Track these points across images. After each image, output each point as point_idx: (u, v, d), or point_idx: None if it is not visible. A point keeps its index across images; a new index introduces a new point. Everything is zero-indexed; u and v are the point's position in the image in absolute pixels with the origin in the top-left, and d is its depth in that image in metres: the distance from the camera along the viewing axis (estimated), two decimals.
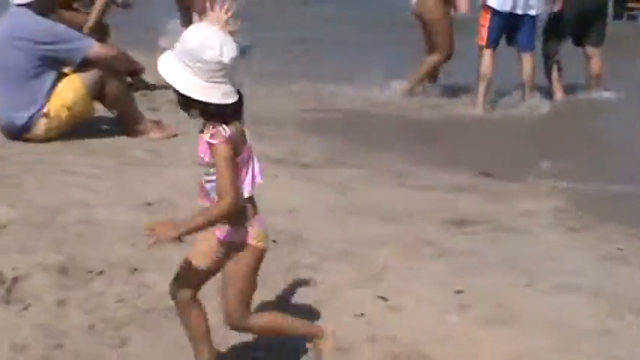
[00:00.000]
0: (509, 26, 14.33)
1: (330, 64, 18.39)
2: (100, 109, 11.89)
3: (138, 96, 12.36)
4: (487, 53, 14.54)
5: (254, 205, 6.06)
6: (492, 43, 14.64)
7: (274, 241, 8.10)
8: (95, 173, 10.17)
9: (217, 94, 5.61)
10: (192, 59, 5.52)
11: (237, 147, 5.81)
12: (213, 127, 5.70)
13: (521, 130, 14.66)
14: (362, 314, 7.30)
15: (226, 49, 5.48)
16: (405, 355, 6.71)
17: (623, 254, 8.84)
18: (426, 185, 10.68)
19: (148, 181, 10.10)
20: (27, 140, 11.22)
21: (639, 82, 17.08)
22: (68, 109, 11.34)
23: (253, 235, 5.98)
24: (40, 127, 11.06)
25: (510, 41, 14.94)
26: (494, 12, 14.33)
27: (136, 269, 7.76)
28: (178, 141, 11.73)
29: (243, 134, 5.88)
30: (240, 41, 5.68)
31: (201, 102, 5.66)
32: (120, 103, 11.67)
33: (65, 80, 11.38)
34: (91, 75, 11.43)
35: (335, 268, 8.14)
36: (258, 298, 7.03)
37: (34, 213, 8.77)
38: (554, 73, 15.82)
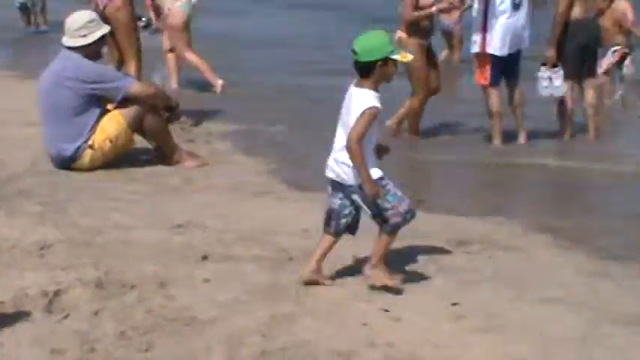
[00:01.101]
0: (506, 64, 14.14)
1: None
2: (140, 141, 12.02)
3: (175, 129, 12.46)
4: (493, 93, 14.24)
5: None
6: (495, 83, 14.34)
7: (290, 259, 8.31)
8: (133, 198, 10.40)
9: None
10: None
11: None
12: None
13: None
14: (365, 324, 7.41)
15: None
16: (405, 355, 6.87)
17: (607, 271, 8.89)
18: (428, 208, 10.68)
19: (180, 206, 10.28)
20: (74, 169, 11.48)
21: None
22: (111, 141, 11.60)
23: None
24: (86, 157, 11.35)
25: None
26: (494, 56, 14.06)
27: (163, 283, 7.92)
28: (211, 169, 11.92)
29: None
30: None
31: None
32: (158, 135, 11.92)
33: (108, 115, 11.69)
34: (132, 110, 11.71)
35: (343, 282, 8.28)
36: (275, 308, 7.28)
37: (77, 234, 8.98)
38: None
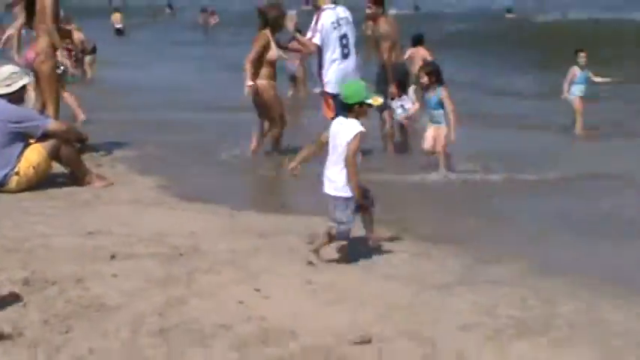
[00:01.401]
0: None
1: None
2: (57, 167, 12.00)
3: (86, 156, 12.44)
4: None
5: None
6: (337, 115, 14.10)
7: (181, 255, 8.35)
8: (53, 213, 10.37)
9: None
10: None
11: None
12: None
13: None
14: (241, 302, 7.49)
15: None
16: (275, 326, 6.93)
17: (428, 252, 9.13)
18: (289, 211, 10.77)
19: (91, 217, 10.27)
20: (3, 192, 11.34)
21: None
22: (34, 168, 11.57)
23: None
24: (13, 182, 11.30)
25: None
26: (333, 94, 13.68)
27: (79, 279, 7.87)
28: (115, 187, 11.93)
29: None
30: None
31: None
32: (72, 162, 11.93)
33: (31, 147, 11.63)
34: (50, 143, 11.69)
35: (223, 270, 8.31)
36: (169, 293, 7.31)
37: (7, 243, 8.89)
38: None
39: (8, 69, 12.28)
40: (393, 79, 14.40)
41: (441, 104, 13.01)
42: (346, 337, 6.70)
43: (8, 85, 11.71)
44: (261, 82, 13.57)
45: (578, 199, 12.16)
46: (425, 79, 13.02)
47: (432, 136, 13.32)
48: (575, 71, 19.60)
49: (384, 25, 14.29)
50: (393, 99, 14.15)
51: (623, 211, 11.24)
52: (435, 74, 13.09)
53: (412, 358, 6.44)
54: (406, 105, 14.00)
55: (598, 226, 10.49)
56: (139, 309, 7.24)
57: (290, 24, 15.08)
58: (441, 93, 12.99)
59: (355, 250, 9.07)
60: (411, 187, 13.12)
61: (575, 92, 19.71)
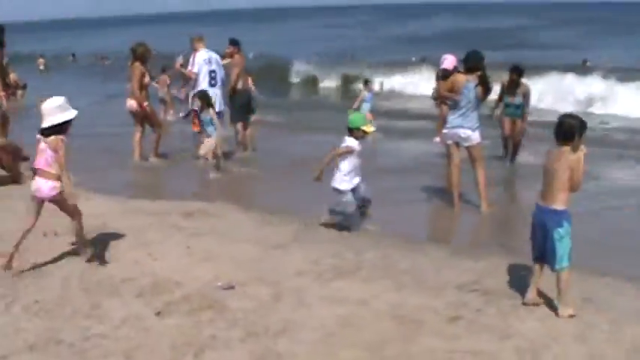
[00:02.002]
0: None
1: None
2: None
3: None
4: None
5: None
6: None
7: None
8: None
9: None
10: None
11: None
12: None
13: None
14: (137, 262, 7.46)
15: None
16: (164, 279, 6.91)
17: (268, 220, 9.21)
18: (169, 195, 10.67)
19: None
20: None
21: None
22: None
23: None
24: None
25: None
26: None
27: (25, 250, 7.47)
28: None
29: None
30: None
31: None
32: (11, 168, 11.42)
33: None
34: None
35: (124, 240, 8.19)
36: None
37: None
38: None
39: None
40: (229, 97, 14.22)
41: None
42: (216, 284, 6.75)
43: None
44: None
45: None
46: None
47: None
48: None
49: (236, 60, 14.13)
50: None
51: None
52: None
53: (264, 296, 6.57)
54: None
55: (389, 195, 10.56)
56: (64, 272, 7.13)
57: (177, 64, 14.69)
58: None
59: (210, 223, 9.09)
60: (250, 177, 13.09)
61: None
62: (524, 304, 6.26)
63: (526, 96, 13.10)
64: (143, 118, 13.37)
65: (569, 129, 6.01)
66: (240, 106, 14.00)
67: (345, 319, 5.99)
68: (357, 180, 8.78)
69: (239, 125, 14.14)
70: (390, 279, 6.98)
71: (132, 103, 13.26)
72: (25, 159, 11.60)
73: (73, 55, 55.25)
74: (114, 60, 47.28)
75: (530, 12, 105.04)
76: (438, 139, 11.12)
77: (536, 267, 6.34)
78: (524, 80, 13.13)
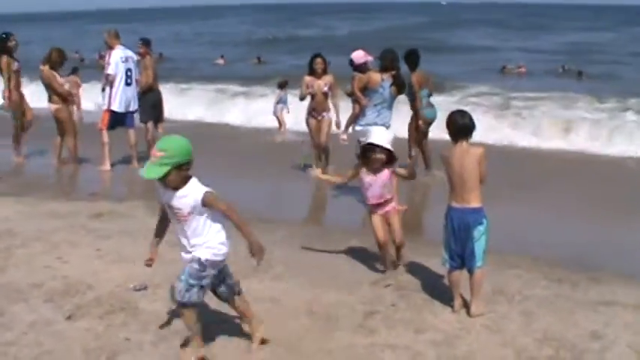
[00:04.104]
0: (120, 117, 13.16)
1: None
2: None
3: None
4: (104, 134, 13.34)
5: None
6: (111, 127, 13.15)
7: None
8: None
9: None
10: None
11: None
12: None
13: None
14: (48, 266, 7.21)
15: None
16: (74, 282, 6.71)
17: None
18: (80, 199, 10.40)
19: None
20: None
21: None
22: None
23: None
24: None
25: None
26: (112, 112, 12.84)
27: None
28: None
29: None
30: None
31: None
32: None
33: None
34: None
35: (32, 244, 7.93)
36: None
37: None
38: None
39: None
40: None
41: None
42: (129, 286, 6.59)
43: None
44: (57, 106, 13.02)
45: None
46: None
47: None
48: None
49: (148, 59, 13.79)
50: None
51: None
52: None
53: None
54: None
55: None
56: None
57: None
58: None
59: (120, 224, 8.93)
60: None
61: None
62: (454, 311, 6.09)
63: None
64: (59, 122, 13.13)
65: (465, 124, 5.93)
66: (151, 106, 13.69)
67: (259, 317, 5.90)
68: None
69: (149, 124, 13.87)
70: (304, 276, 6.94)
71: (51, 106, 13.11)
72: None
73: None
74: None
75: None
76: (344, 136, 11.07)
77: (456, 274, 6.13)
78: None
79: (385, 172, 6.90)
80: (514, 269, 7.18)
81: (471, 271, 6.04)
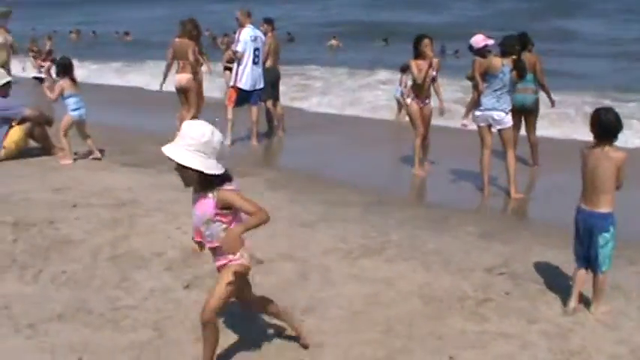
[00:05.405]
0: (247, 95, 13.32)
1: None
2: (32, 143, 11.60)
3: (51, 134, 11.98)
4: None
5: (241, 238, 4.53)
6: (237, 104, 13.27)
7: (124, 204, 8.14)
8: (29, 175, 10.02)
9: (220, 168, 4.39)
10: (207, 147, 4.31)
11: None
12: (223, 186, 4.42)
13: None
14: (169, 237, 7.42)
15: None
16: (190, 253, 6.63)
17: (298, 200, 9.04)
18: None
19: (57, 178, 9.96)
20: None
21: None
22: (15, 143, 11.22)
23: (247, 257, 4.71)
24: (1, 154, 10.83)
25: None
26: (240, 89, 13.20)
27: (51, 222, 7.70)
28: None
29: None
30: None
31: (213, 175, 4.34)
32: (42, 138, 11.53)
33: (14, 129, 11.23)
34: (27, 125, 11.33)
35: (154, 214, 8.20)
36: (116, 232, 7.09)
37: None
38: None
39: None
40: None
41: None
42: None
43: None
44: (189, 76, 13.06)
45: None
46: None
47: None
48: None
49: (269, 39, 13.96)
50: None
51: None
52: None
53: (291, 273, 6.52)
54: None
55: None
56: (96, 243, 7.15)
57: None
58: None
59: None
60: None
61: None
62: (565, 312, 5.85)
63: None
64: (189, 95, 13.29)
65: (610, 125, 5.58)
66: (270, 84, 13.85)
67: (371, 298, 5.93)
68: None
69: (269, 103, 14.06)
70: (418, 259, 6.93)
71: (182, 78, 13.01)
72: (49, 123, 11.76)
73: (94, 32, 54.00)
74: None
75: None
76: (465, 121, 10.94)
77: (580, 273, 5.93)
78: None
79: (207, 201, 4.51)
80: (633, 266, 6.96)
81: (595, 272, 5.86)
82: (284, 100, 15.67)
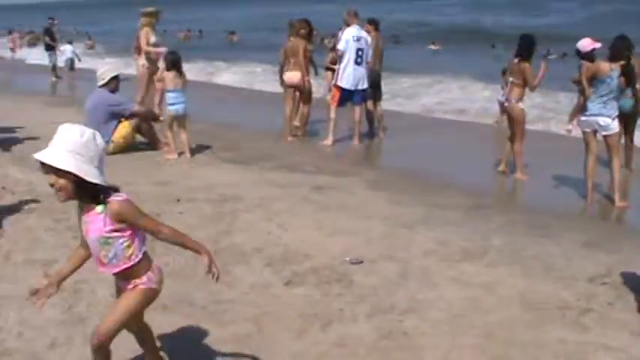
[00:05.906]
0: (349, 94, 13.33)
1: None
2: (139, 138, 11.93)
3: (158, 130, 12.27)
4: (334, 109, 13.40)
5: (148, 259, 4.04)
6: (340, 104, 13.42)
7: (226, 200, 8.27)
8: (136, 167, 10.43)
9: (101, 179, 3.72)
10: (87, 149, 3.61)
11: None
12: (111, 198, 3.74)
13: None
14: (269, 233, 7.51)
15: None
16: (293, 249, 6.99)
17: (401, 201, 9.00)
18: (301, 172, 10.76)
19: (162, 172, 10.25)
20: None
21: None
22: (123, 138, 11.61)
23: (156, 280, 4.05)
24: (109, 148, 11.10)
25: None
26: (342, 89, 13.22)
27: (157, 214, 7.66)
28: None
29: None
30: None
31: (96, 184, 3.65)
32: (149, 134, 11.87)
33: (122, 124, 11.67)
34: (134, 120, 11.73)
35: (256, 210, 8.30)
36: (219, 224, 7.20)
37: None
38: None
39: (100, 68, 12.43)
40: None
41: None
42: (345, 259, 6.76)
43: (103, 79, 11.57)
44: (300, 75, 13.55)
45: None
46: None
47: None
48: None
49: (374, 40, 13.95)
50: None
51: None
52: None
53: (391, 273, 6.50)
54: None
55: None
56: (198, 237, 7.13)
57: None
58: None
59: (340, 198, 9.10)
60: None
61: None
62: None
63: None
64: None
65: None
66: (370, 85, 13.83)
67: (471, 302, 5.88)
68: None
69: (369, 103, 14.06)
70: (519, 265, 6.82)
71: (293, 76, 13.46)
72: (156, 120, 12.08)
73: (200, 31, 54.56)
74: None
75: None
76: (570, 126, 10.71)
77: None
78: None
79: (97, 217, 3.77)
80: None
81: None
82: (387, 104, 15.72)
